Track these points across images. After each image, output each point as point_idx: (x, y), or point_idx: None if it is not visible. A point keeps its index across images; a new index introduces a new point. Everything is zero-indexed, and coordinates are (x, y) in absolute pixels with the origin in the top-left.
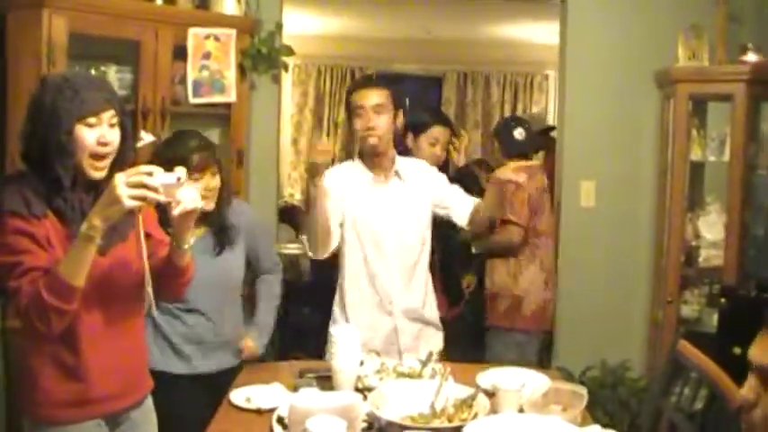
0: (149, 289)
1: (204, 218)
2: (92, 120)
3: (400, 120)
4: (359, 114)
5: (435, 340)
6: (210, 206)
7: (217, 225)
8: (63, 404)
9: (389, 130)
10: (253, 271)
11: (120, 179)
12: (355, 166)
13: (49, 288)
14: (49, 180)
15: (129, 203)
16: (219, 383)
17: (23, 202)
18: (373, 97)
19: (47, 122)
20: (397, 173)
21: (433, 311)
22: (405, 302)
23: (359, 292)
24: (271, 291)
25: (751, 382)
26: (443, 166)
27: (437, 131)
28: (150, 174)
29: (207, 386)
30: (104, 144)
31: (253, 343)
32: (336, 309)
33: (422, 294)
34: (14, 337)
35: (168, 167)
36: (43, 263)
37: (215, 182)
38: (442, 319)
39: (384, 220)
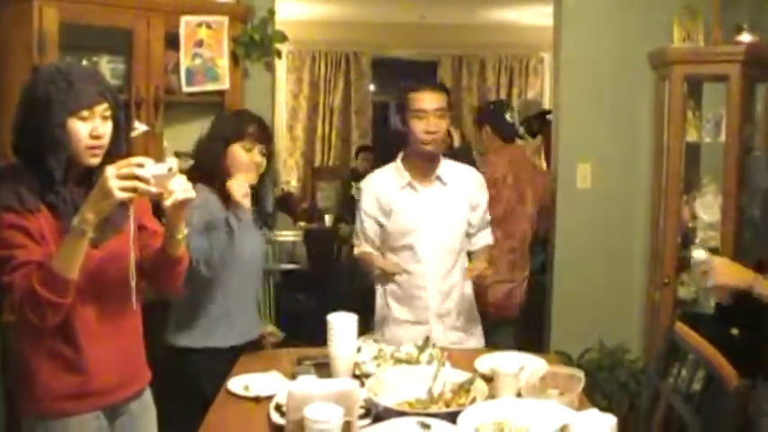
0: (133, 283)
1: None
2: (85, 113)
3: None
4: (420, 117)
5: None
6: (253, 180)
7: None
8: (62, 397)
9: (446, 134)
10: None
11: (111, 171)
12: (391, 170)
13: (42, 282)
14: (42, 173)
15: (120, 195)
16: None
17: (16, 197)
18: (436, 101)
19: (39, 114)
20: (439, 177)
21: (470, 319)
22: (439, 309)
23: (394, 292)
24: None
25: None
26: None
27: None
28: (141, 165)
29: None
30: (97, 137)
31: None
32: (378, 306)
33: (456, 301)
34: (11, 331)
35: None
36: (36, 257)
37: (261, 159)
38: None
39: (422, 224)
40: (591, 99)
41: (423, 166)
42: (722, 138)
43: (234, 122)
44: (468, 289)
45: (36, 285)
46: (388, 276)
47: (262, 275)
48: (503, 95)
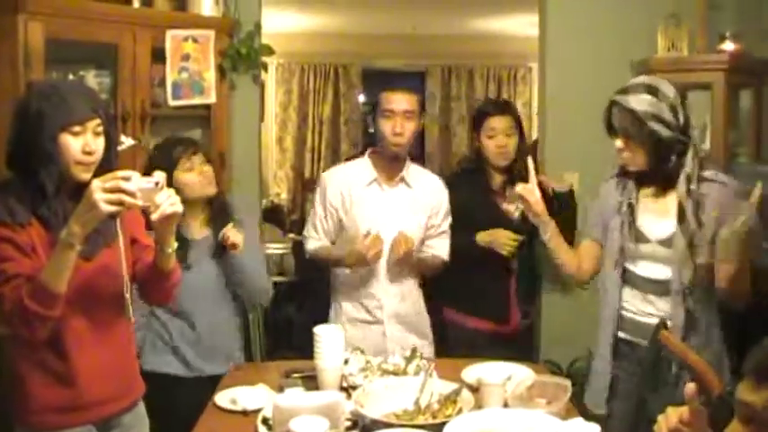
0: (128, 295)
1: (206, 207)
2: (77, 128)
3: (420, 125)
4: (388, 117)
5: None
6: (213, 189)
7: (218, 216)
8: (53, 410)
9: (413, 137)
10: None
11: (97, 185)
12: (359, 165)
13: (31, 295)
14: (34, 187)
15: (106, 209)
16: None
17: (7, 210)
18: (405, 102)
19: (31, 129)
20: (403, 179)
21: (425, 324)
22: (394, 309)
23: (349, 295)
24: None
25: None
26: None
27: (493, 121)
28: (127, 178)
29: (209, 389)
30: (89, 153)
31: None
32: (331, 312)
33: (413, 304)
34: (4, 343)
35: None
36: (26, 270)
37: (207, 168)
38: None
39: (377, 221)
40: (577, 108)
41: (389, 165)
42: (707, 145)
43: (161, 155)
44: (419, 294)
45: (25, 298)
46: (353, 267)
47: (229, 304)
48: None
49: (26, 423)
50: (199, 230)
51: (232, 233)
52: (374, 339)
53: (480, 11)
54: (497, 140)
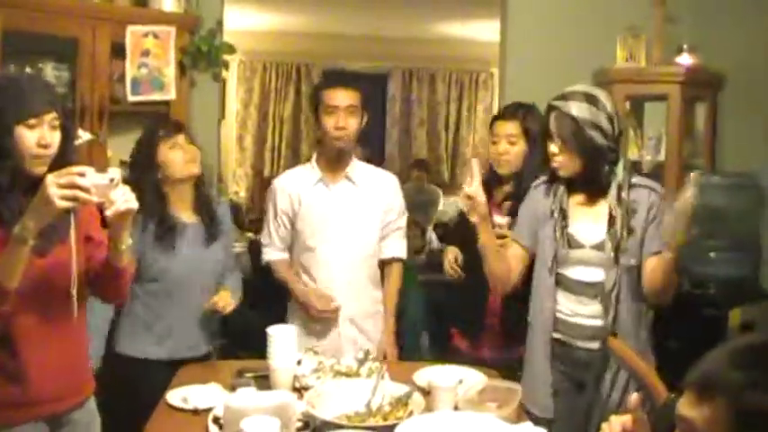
0: (74, 292)
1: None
2: (32, 121)
3: (365, 121)
4: (331, 113)
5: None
6: (198, 170)
7: (207, 214)
8: (3, 406)
9: (357, 132)
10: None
11: (51, 179)
12: (305, 168)
13: None
14: None
15: (61, 204)
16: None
17: None
18: (347, 98)
19: None
20: (348, 176)
21: (380, 325)
22: (350, 312)
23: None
24: (236, 281)
25: None
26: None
27: (497, 126)
28: (82, 174)
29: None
30: (45, 146)
31: (226, 294)
32: (288, 313)
33: (368, 306)
34: None
35: None
36: None
37: (191, 147)
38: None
39: (326, 222)
40: None
41: (333, 163)
42: (662, 156)
43: (146, 134)
44: (379, 297)
45: None
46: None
47: (210, 290)
48: (453, 110)
49: None
50: (188, 214)
51: (223, 301)
52: (329, 342)
53: (444, 15)
54: (498, 146)
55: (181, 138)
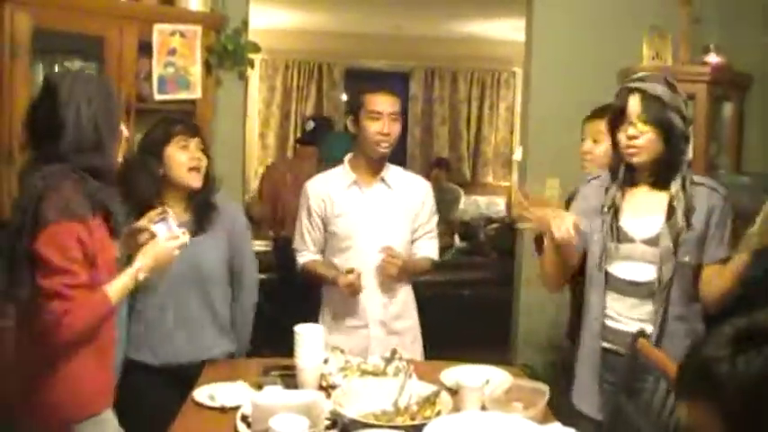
0: None
1: (190, 197)
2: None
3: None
4: (375, 119)
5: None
6: (198, 183)
7: (200, 204)
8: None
9: (398, 138)
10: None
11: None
12: (338, 171)
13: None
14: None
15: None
16: (184, 377)
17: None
18: (391, 104)
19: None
20: (383, 179)
21: (410, 327)
22: (380, 314)
23: (336, 300)
24: (244, 318)
25: None
26: None
27: (587, 127)
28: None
29: (173, 379)
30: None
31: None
32: (320, 316)
33: (399, 309)
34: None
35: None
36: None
37: (203, 156)
38: None
39: (360, 225)
40: (560, 115)
41: (369, 167)
42: (688, 155)
43: (159, 127)
44: (409, 297)
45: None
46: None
47: (219, 288)
48: (474, 108)
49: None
50: (181, 215)
51: None
52: (359, 343)
53: (465, 13)
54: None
55: (195, 141)
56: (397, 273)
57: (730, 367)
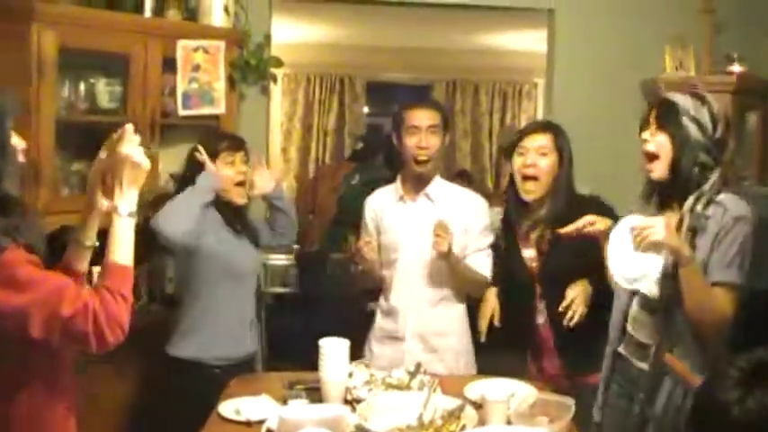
0: None
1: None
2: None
3: (447, 141)
4: (412, 133)
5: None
6: (243, 199)
7: (239, 209)
8: None
9: (439, 152)
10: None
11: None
12: (391, 186)
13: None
14: None
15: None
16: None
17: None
18: (428, 117)
19: None
20: (427, 195)
21: (448, 345)
22: (418, 328)
23: (381, 308)
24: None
25: None
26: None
27: (526, 140)
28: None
29: (210, 376)
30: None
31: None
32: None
33: (440, 323)
34: None
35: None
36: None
37: (246, 169)
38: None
39: (404, 238)
40: (583, 126)
41: (413, 181)
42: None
43: (208, 142)
44: (454, 315)
45: (121, 289)
46: (367, 268)
47: (253, 295)
48: (496, 120)
49: None
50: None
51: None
52: (394, 356)
53: (486, 25)
54: (525, 158)
55: (239, 156)
56: (447, 249)
57: (741, 411)
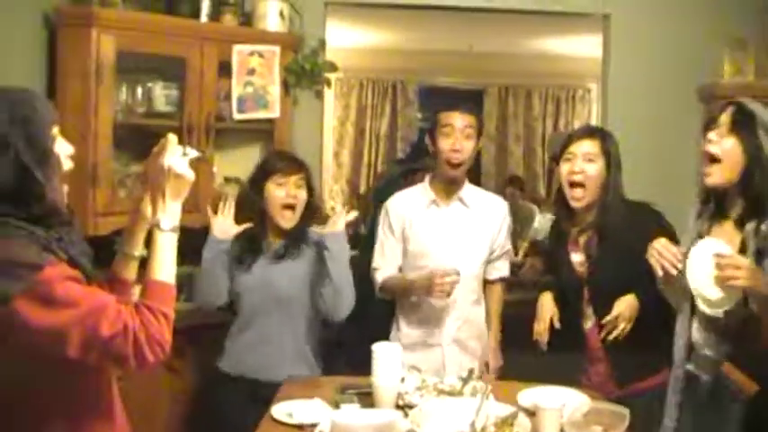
0: None
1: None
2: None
3: (479, 147)
4: (446, 134)
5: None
6: (289, 224)
7: (293, 234)
8: None
9: (471, 156)
10: None
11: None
12: (418, 189)
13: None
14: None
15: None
16: (261, 394)
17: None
18: (463, 120)
19: None
20: (461, 199)
21: (484, 347)
22: (454, 332)
23: (410, 318)
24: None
25: None
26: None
27: (573, 146)
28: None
29: (249, 392)
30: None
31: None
32: (391, 334)
33: (473, 328)
34: None
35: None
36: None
37: (300, 193)
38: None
39: (437, 243)
40: (638, 132)
41: (446, 185)
42: None
43: (263, 164)
44: (482, 316)
45: (162, 307)
46: (420, 294)
47: (301, 311)
48: (549, 126)
49: None
50: (275, 242)
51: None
52: (432, 362)
53: (539, 30)
54: (573, 164)
55: (294, 179)
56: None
57: None
